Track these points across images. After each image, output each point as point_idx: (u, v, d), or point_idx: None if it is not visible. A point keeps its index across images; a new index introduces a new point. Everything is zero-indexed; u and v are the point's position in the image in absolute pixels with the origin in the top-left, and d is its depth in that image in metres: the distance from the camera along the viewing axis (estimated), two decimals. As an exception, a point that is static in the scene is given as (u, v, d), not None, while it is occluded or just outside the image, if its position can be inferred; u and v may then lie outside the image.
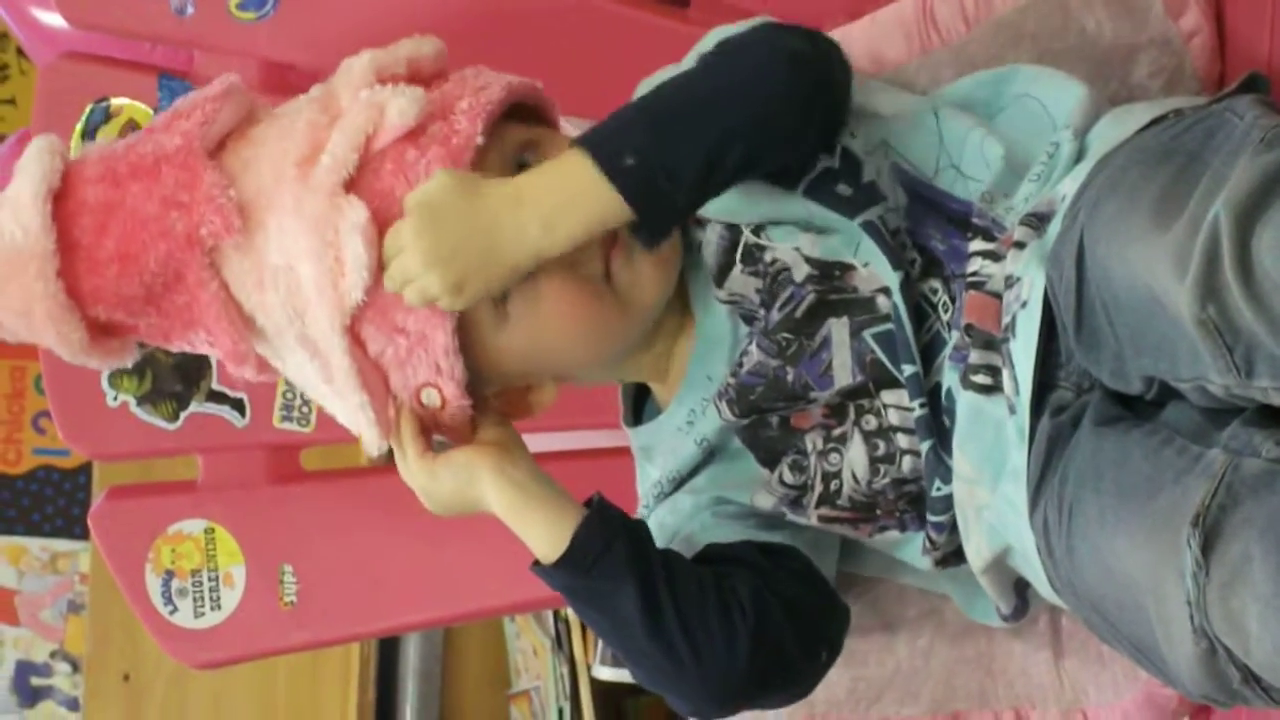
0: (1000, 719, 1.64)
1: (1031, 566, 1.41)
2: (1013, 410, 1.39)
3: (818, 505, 1.50)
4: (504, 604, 1.97)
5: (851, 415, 1.48)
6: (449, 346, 1.40)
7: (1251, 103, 1.34)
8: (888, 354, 1.46)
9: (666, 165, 1.37)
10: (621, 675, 2.70)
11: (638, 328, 1.48)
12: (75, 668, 3.15)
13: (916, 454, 1.47)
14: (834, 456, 1.49)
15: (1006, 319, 1.40)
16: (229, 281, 1.42)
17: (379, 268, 1.38)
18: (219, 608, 1.83)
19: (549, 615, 2.83)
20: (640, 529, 1.43)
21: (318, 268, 1.38)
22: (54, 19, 1.94)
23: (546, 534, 1.40)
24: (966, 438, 1.42)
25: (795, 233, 1.47)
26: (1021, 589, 1.53)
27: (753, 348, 1.47)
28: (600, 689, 2.77)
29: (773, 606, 1.40)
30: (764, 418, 1.50)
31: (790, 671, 1.44)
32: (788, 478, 1.50)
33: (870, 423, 1.48)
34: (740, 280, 1.48)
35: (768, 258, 1.47)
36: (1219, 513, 1.19)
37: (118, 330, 1.45)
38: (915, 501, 1.50)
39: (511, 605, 2.13)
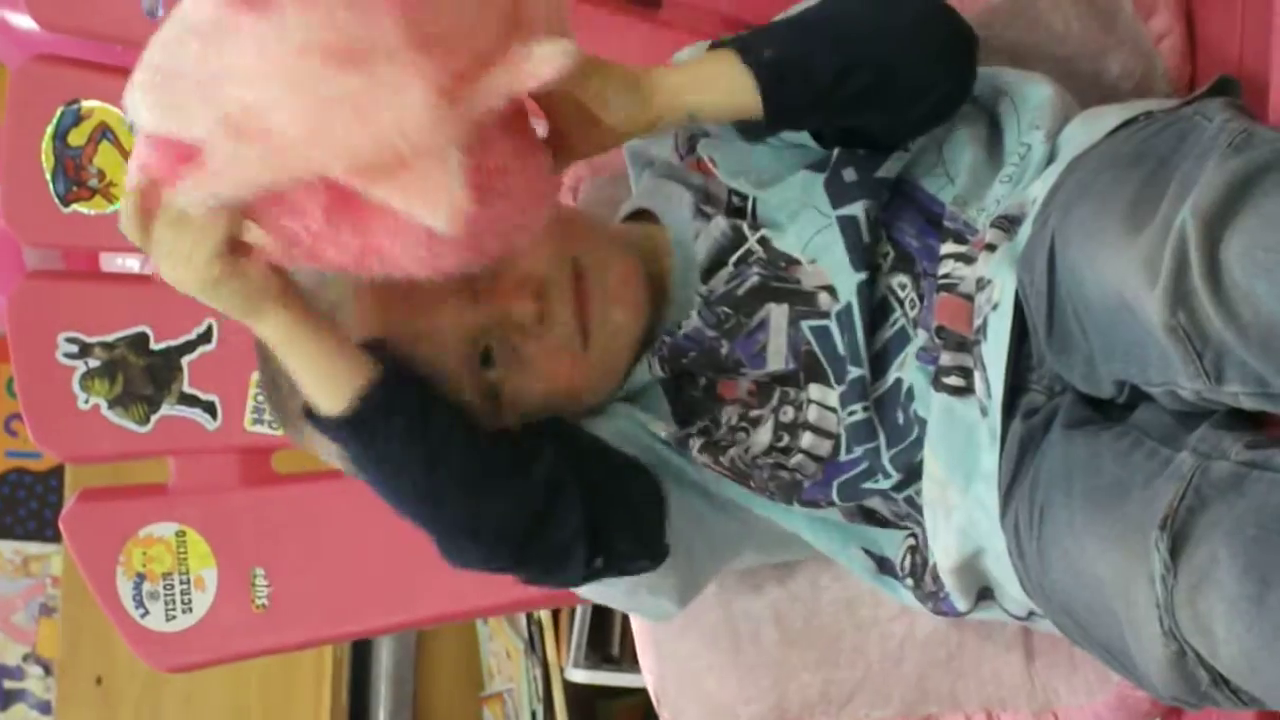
0: (971, 720, 1.65)
1: (1003, 568, 1.41)
2: (984, 412, 1.39)
3: (701, 451, 1.48)
4: (476, 606, 1.96)
5: (774, 402, 1.49)
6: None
7: (1222, 106, 1.35)
8: (823, 348, 1.46)
9: (801, 64, 1.39)
10: (595, 678, 2.70)
11: (623, 368, 1.49)
12: (47, 671, 3.14)
13: (811, 456, 1.47)
14: (740, 434, 1.49)
15: (978, 321, 1.40)
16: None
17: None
18: (190, 611, 1.83)
19: (522, 618, 2.83)
20: (431, 390, 1.37)
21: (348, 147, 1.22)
22: (25, 21, 1.94)
23: (328, 377, 1.34)
24: (938, 439, 1.42)
25: (795, 243, 1.48)
26: (984, 595, 1.53)
27: (693, 313, 1.48)
28: (573, 691, 2.77)
29: (570, 493, 1.38)
30: (693, 377, 1.50)
31: (555, 560, 1.41)
32: (690, 431, 1.49)
33: (787, 414, 1.48)
34: (723, 279, 1.49)
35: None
36: (1187, 515, 1.20)
37: None
38: (784, 488, 1.49)
39: (484, 608, 2.13)
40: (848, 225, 1.46)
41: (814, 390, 1.47)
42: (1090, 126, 1.45)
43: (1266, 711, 1.24)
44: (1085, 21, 1.58)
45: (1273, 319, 1.14)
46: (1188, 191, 1.18)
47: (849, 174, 1.48)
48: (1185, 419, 1.29)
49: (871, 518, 1.51)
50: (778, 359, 1.47)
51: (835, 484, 1.48)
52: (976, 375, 1.40)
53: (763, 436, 1.49)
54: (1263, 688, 1.18)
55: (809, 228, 1.47)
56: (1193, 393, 1.24)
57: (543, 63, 1.26)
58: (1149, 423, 1.31)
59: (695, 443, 1.48)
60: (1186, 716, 1.61)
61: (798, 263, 1.47)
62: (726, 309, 1.47)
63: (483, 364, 1.42)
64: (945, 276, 1.43)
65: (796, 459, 1.48)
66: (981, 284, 1.40)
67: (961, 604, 1.51)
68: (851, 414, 1.45)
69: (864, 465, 1.47)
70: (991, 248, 1.41)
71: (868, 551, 1.54)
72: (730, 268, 1.48)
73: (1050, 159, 1.45)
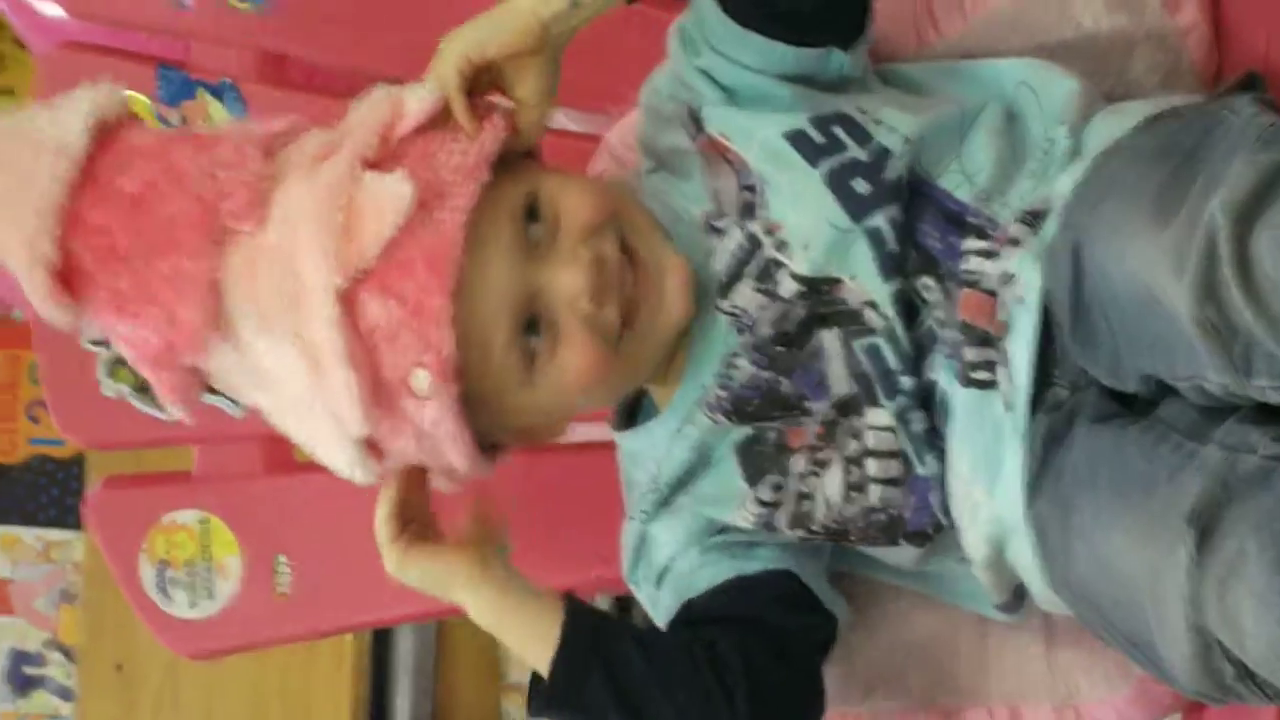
0: (993, 713, 1.64)
1: (1027, 563, 1.41)
2: (1009, 407, 1.39)
3: (791, 526, 1.48)
4: (498, 596, 1.96)
5: (839, 439, 1.46)
6: (441, 315, 1.34)
7: (1249, 101, 1.35)
8: (876, 367, 1.44)
9: None
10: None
11: (652, 367, 1.48)
12: (69, 657, 3.14)
13: (884, 481, 1.46)
14: (812, 480, 1.47)
15: (1003, 316, 1.40)
16: (222, 267, 1.36)
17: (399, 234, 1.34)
18: (213, 598, 1.83)
19: (543, 607, 2.82)
20: (614, 638, 1.46)
21: (320, 230, 1.32)
22: (52, 9, 1.94)
23: (529, 649, 1.46)
24: (964, 435, 1.42)
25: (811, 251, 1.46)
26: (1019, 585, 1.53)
27: (743, 361, 1.45)
28: (593, 681, 2.76)
29: (763, 660, 1.44)
30: (762, 433, 1.48)
31: (798, 709, 1.48)
32: (764, 495, 1.48)
33: (850, 447, 1.46)
34: (747, 295, 1.45)
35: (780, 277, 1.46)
36: (1214, 509, 1.20)
37: (77, 287, 1.36)
38: (886, 529, 1.48)
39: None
40: (875, 236, 1.43)
41: (871, 415, 1.45)
42: (1116, 121, 1.44)
43: (1291, 706, 1.25)
44: (1113, 15, 1.58)
45: (1303, 312, 1.14)
46: (1216, 185, 1.18)
47: (860, 185, 1.44)
48: (1211, 414, 1.29)
49: None
50: (840, 384, 1.45)
51: (933, 501, 1.47)
52: (1001, 370, 1.40)
53: (833, 477, 1.47)
54: (1290, 682, 1.19)
55: (841, 243, 1.45)
56: (1219, 387, 1.24)
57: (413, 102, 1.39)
58: (1175, 417, 1.31)
59: (781, 519, 1.48)
60: (1208, 711, 1.61)
61: (839, 281, 1.44)
62: (779, 348, 1.45)
63: (526, 330, 1.39)
64: (969, 272, 1.43)
65: (876, 493, 1.46)
66: (1006, 279, 1.40)
67: (996, 596, 1.51)
68: (890, 432, 1.45)
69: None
70: (1016, 242, 1.40)
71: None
72: (751, 280, 1.45)
73: (1075, 153, 1.45)
